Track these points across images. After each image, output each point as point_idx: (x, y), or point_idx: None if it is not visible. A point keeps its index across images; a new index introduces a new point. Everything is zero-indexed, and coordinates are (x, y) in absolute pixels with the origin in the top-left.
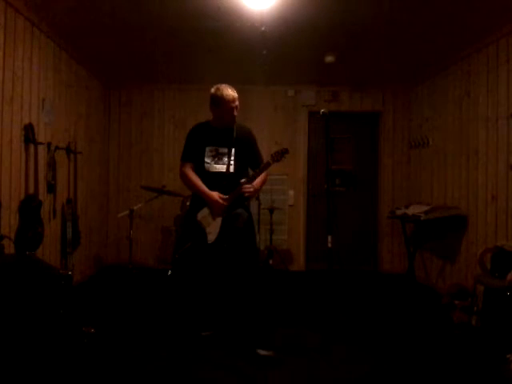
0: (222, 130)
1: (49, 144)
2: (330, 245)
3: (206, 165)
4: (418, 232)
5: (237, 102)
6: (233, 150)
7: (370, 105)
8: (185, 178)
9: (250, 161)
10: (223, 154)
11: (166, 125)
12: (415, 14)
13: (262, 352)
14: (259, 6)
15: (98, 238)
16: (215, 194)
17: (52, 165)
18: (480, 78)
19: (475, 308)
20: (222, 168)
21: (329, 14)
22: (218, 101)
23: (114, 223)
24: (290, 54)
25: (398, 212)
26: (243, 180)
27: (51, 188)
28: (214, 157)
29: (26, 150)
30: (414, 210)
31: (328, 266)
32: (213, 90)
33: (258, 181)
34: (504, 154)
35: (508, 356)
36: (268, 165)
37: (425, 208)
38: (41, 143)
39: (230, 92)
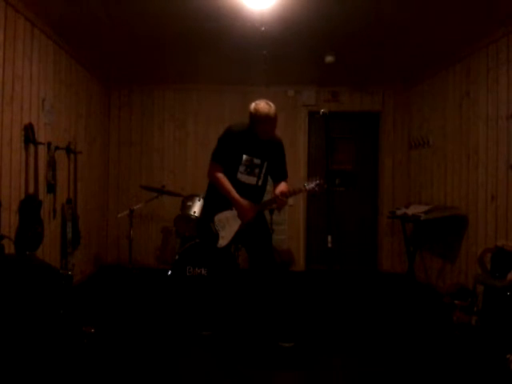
0: (260, 140)
1: (49, 144)
2: (330, 245)
3: (239, 174)
4: (417, 232)
5: (274, 123)
6: (265, 164)
7: (370, 105)
8: (216, 180)
9: (275, 172)
10: (256, 166)
11: (165, 125)
12: (415, 14)
13: (286, 344)
14: (259, 6)
15: (97, 238)
16: (248, 204)
17: (52, 165)
18: (480, 78)
19: (475, 308)
20: (252, 180)
21: (329, 14)
22: (257, 119)
23: (114, 223)
24: (289, 54)
25: (398, 212)
26: (281, 192)
27: (51, 188)
28: (247, 167)
29: (26, 149)
30: (413, 210)
31: (328, 266)
32: (252, 109)
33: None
34: (504, 154)
35: (508, 356)
36: (300, 191)
37: (425, 208)
38: (41, 143)
39: (266, 111)
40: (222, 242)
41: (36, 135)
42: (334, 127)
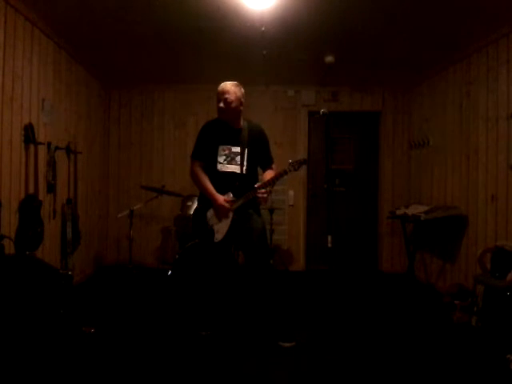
0: (234, 128)
1: (49, 144)
2: (330, 245)
3: (218, 165)
4: (418, 232)
5: (226, 95)
6: (246, 151)
7: (370, 105)
8: (195, 176)
9: (260, 160)
10: (236, 154)
11: (165, 125)
12: (415, 14)
13: (286, 344)
14: (259, 6)
15: (97, 238)
16: (221, 198)
17: (52, 165)
18: (480, 78)
19: (475, 308)
20: (235, 169)
21: (329, 14)
22: (217, 96)
23: (114, 223)
24: (290, 53)
25: (398, 212)
26: (258, 184)
27: (51, 188)
28: (226, 156)
29: (26, 149)
30: (414, 209)
31: (328, 266)
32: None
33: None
34: (504, 154)
35: (508, 356)
36: (285, 173)
37: (425, 208)
38: (41, 143)
39: (222, 85)
40: (218, 236)
41: (36, 135)
42: (333, 127)
